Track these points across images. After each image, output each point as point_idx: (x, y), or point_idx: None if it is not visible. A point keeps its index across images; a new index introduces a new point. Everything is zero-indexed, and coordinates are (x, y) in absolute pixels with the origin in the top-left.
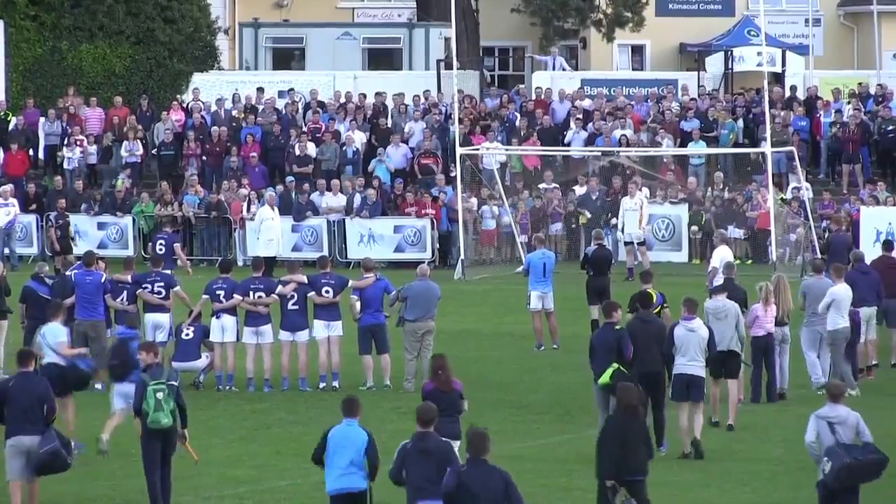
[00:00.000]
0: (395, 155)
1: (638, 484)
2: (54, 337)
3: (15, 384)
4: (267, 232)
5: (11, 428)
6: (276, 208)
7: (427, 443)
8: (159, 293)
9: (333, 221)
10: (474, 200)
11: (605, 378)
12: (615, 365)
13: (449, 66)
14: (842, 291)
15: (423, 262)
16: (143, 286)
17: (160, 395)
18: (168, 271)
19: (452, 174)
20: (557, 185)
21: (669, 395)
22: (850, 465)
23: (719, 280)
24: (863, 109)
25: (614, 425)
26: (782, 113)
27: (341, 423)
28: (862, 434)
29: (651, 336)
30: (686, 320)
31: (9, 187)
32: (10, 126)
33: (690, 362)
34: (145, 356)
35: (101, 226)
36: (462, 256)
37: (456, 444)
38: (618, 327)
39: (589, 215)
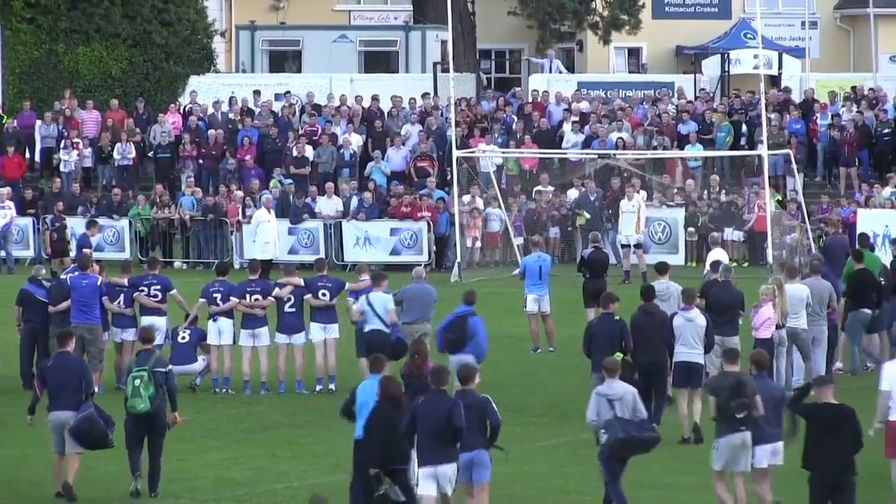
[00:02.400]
0: (395, 157)
1: (401, 473)
2: None
3: (53, 363)
4: (263, 234)
5: (51, 404)
6: (272, 211)
7: (466, 398)
8: (156, 296)
9: (330, 224)
10: (480, 201)
11: None
12: (621, 355)
13: (445, 69)
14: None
15: (420, 265)
16: (140, 289)
17: (138, 381)
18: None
19: (449, 177)
20: (554, 188)
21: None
22: (624, 439)
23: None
24: (863, 112)
25: (379, 416)
26: (775, 115)
27: (367, 378)
28: (638, 411)
29: (654, 327)
30: (684, 310)
31: (5, 190)
32: (7, 129)
33: (689, 350)
34: (141, 344)
35: (98, 229)
36: (458, 259)
37: None
38: (617, 318)
39: (588, 216)
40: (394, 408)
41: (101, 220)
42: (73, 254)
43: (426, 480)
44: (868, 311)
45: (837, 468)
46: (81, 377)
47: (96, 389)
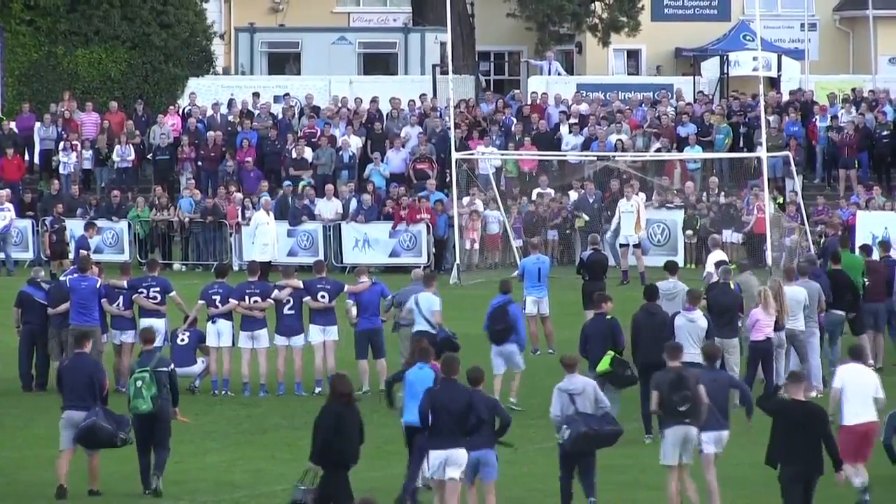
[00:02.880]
0: (395, 159)
1: (343, 470)
2: None
3: (69, 364)
4: (262, 236)
5: (65, 403)
6: (271, 213)
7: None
8: (155, 298)
9: (329, 226)
10: (479, 203)
11: (603, 365)
12: (612, 353)
13: (445, 71)
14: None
15: (419, 267)
16: (139, 291)
17: (140, 382)
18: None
19: (448, 179)
20: (552, 190)
21: None
22: (586, 433)
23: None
24: (864, 114)
25: (329, 413)
26: (774, 117)
27: (414, 366)
28: (601, 402)
29: (655, 327)
30: (687, 311)
31: (4, 192)
32: (6, 131)
33: (688, 351)
34: (142, 344)
35: (96, 230)
36: (457, 261)
37: None
38: (609, 317)
39: (587, 218)
40: (344, 405)
41: (101, 222)
42: (72, 256)
43: (437, 464)
44: (841, 312)
45: (806, 463)
46: (93, 378)
47: None
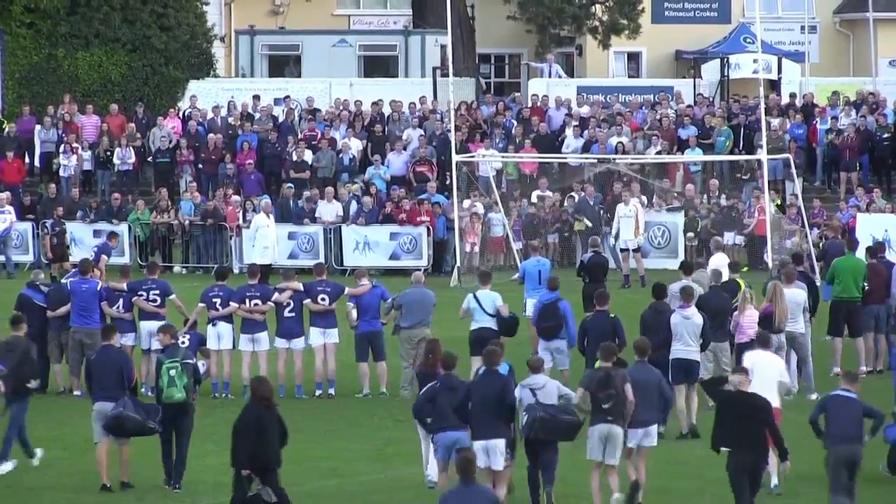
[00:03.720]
0: (396, 162)
1: (271, 473)
2: None
3: (96, 357)
4: (262, 239)
5: (94, 395)
6: (271, 216)
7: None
8: (154, 301)
9: (329, 229)
10: (480, 205)
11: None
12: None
13: (445, 74)
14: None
15: (418, 270)
16: (139, 294)
17: (172, 371)
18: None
19: (448, 182)
20: (552, 193)
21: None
22: (542, 417)
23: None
24: (865, 117)
25: (250, 416)
26: (777, 120)
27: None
28: (567, 397)
29: (662, 325)
30: (682, 308)
31: (5, 195)
32: (6, 133)
33: (686, 347)
34: (162, 338)
35: (96, 233)
36: (458, 264)
37: None
38: (612, 315)
39: (589, 224)
40: (265, 409)
41: (101, 225)
42: (72, 258)
43: (478, 454)
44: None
45: (751, 453)
46: (122, 370)
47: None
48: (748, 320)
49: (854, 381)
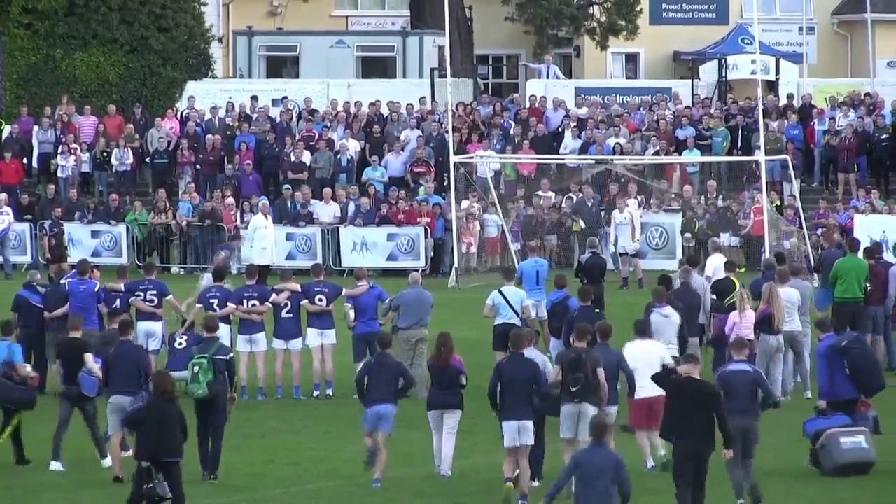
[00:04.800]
0: (395, 163)
1: (172, 465)
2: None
3: (115, 351)
4: (260, 240)
5: (112, 389)
6: (269, 217)
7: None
8: (151, 301)
9: (327, 230)
10: (477, 206)
11: None
12: None
13: (443, 75)
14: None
15: (416, 271)
16: (136, 294)
17: (196, 368)
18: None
19: (446, 182)
20: (552, 194)
21: None
22: (545, 393)
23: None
24: (863, 118)
25: (152, 410)
26: (776, 122)
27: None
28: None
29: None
30: (658, 307)
31: (3, 196)
32: (4, 134)
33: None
34: (203, 331)
35: (94, 234)
36: (455, 265)
37: (456, 414)
38: (597, 311)
39: (583, 225)
40: (166, 402)
41: (99, 226)
42: (70, 259)
43: (509, 433)
44: None
45: (698, 439)
46: (139, 364)
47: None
48: (746, 321)
49: (742, 349)
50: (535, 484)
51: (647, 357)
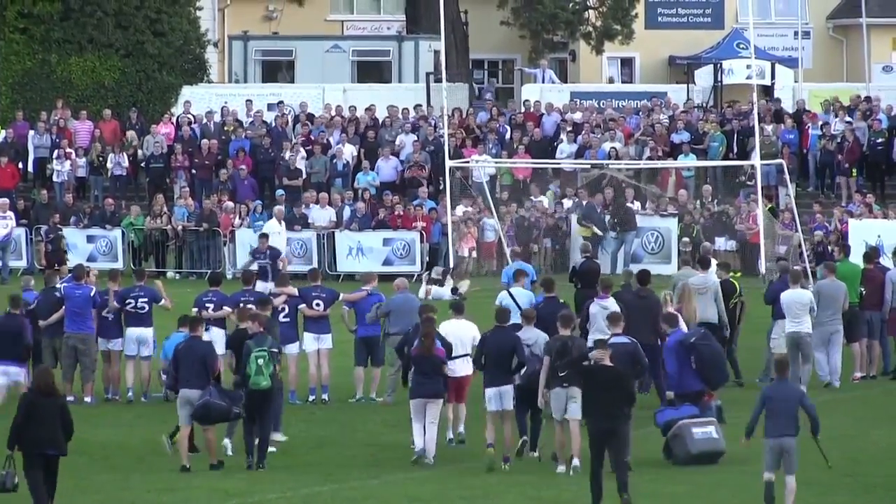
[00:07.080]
0: (385, 168)
1: (52, 459)
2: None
3: (183, 347)
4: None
5: (181, 383)
6: (283, 222)
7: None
8: (143, 308)
9: (323, 234)
10: (471, 210)
11: None
12: None
13: (438, 79)
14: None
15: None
16: (127, 302)
17: (261, 360)
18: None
19: (442, 187)
20: (543, 198)
21: None
22: (538, 370)
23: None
24: (856, 122)
25: (22, 402)
26: (770, 126)
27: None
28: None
29: (645, 310)
30: (601, 298)
31: (4, 201)
32: (10, 139)
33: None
34: (251, 325)
35: (90, 238)
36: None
37: (438, 403)
38: (561, 301)
39: (599, 232)
40: (42, 396)
41: (94, 230)
42: (68, 264)
43: (491, 398)
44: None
45: (609, 418)
46: (206, 360)
47: (88, 400)
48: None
49: (617, 322)
50: (535, 454)
51: (459, 335)
